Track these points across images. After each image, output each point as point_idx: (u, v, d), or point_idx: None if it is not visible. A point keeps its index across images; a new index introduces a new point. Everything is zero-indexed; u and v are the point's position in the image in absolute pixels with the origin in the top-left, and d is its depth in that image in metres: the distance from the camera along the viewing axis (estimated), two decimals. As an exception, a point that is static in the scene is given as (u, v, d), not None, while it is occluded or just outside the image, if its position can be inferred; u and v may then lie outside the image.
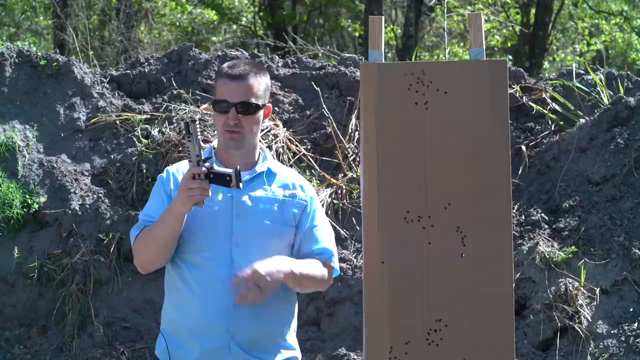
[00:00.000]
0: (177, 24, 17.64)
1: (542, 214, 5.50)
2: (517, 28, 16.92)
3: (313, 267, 2.96)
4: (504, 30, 18.47)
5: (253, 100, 2.92)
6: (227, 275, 2.90)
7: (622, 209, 5.37)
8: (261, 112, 2.97)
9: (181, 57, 6.58)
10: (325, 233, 3.02)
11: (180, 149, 5.75)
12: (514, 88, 6.13)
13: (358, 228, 5.53)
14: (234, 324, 2.90)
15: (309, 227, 2.99)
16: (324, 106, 6.11)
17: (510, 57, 17.35)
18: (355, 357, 5.08)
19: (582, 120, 5.90)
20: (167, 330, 3.02)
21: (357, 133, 6.00)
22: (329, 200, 5.69)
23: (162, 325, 3.05)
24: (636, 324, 4.94)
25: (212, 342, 2.91)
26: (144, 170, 5.77)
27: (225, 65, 3.00)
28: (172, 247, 2.91)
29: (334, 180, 5.79)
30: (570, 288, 5.01)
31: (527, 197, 5.69)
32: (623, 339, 4.89)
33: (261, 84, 2.96)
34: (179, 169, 3.05)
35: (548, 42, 17.36)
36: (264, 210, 2.93)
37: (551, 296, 5.02)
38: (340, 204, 5.71)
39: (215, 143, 3.08)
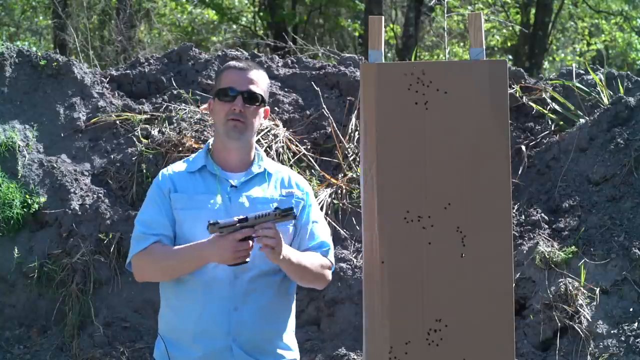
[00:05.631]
0: (177, 24, 17.64)
1: (542, 214, 5.50)
2: (517, 28, 16.92)
3: (311, 259, 3.00)
4: (504, 30, 18.47)
5: (258, 91, 2.98)
6: (226, 278, 2.92)
7: (622, 209, 5.37)
8: (262, 109, 3.02)
9: (181, 57, 6.58)
10: (321, 228, 3.08)
11: (180, 149, 5.75)
12: (514, 88, 6.13)
13: (358, 228, 5.53)
14: (235, 326, 2.91)
15: (305, 223, 3.04)
16: (324, 106, 6.10)
17: (510, 57, 17.36)
18: (355, 357, 5.08)
19: (582, 120, 5.90)
20: (166, 333, 3.01)
21: (357, 133, 6.00)
22: (329, 200, 5.68)
23: (161, 329, 3.04)
24: (636, 324, 4.93)
25: (214, 345, 2.91)
26: (144, 170, 5.77)
27: (228, 62, 3.10)
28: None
29: (334, 180, 5.79)
30: (570, 288, 5.01)
31: (527, 197, 5.69)
32: (623, 339, 4.89)
33: (264, 80, 3.05)
34: (174, 170, 3.06)
35: (548, 42, 17.36)
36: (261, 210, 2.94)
37: (551, 296, 5.01)
38: (340, 204, 5.70)
39: (210, 141, 3.10)
